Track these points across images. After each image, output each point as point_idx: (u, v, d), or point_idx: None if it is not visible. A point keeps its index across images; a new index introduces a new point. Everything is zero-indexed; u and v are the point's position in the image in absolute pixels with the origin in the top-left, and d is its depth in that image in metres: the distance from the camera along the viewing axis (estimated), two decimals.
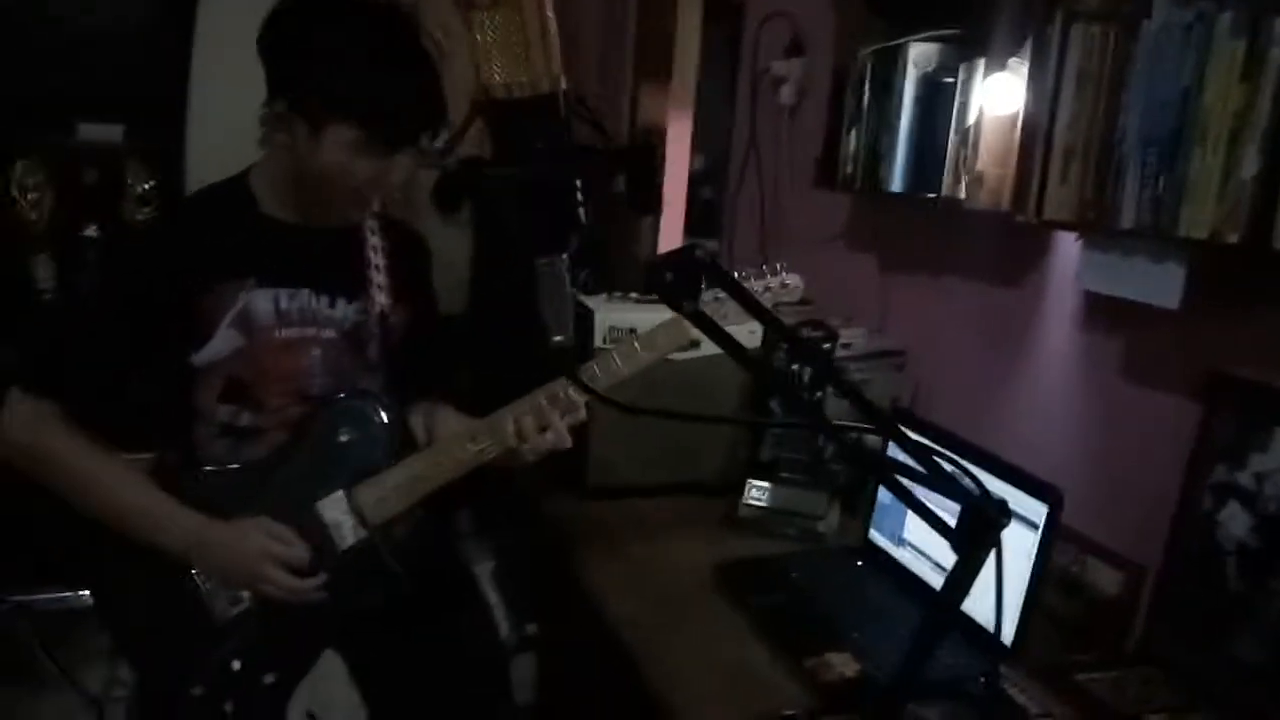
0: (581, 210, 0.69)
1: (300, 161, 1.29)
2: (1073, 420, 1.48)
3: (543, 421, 1.34)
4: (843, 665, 1.26)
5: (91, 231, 2.89)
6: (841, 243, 2.02)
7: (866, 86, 1.68)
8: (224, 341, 1.33)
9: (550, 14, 0.69)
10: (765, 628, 1.37)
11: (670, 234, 3.45)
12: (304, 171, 1.30)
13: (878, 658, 1.28)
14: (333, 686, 1.53)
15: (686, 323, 1.38)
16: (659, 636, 1.36)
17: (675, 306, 0.68)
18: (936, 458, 0.84)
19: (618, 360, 1.37)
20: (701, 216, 3.36)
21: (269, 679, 1.32)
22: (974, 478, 0.86)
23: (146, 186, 2.94)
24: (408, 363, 1.48)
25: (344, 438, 1.36)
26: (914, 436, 0.90)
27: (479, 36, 0.67)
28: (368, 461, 1.37)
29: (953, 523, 0.87)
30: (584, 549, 1.62)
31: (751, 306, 0.72)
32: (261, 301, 1.35)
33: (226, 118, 2.59)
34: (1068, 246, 1.45)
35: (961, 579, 0.86)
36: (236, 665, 1.30)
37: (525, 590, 2.04)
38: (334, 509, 1.34)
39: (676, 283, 0.67)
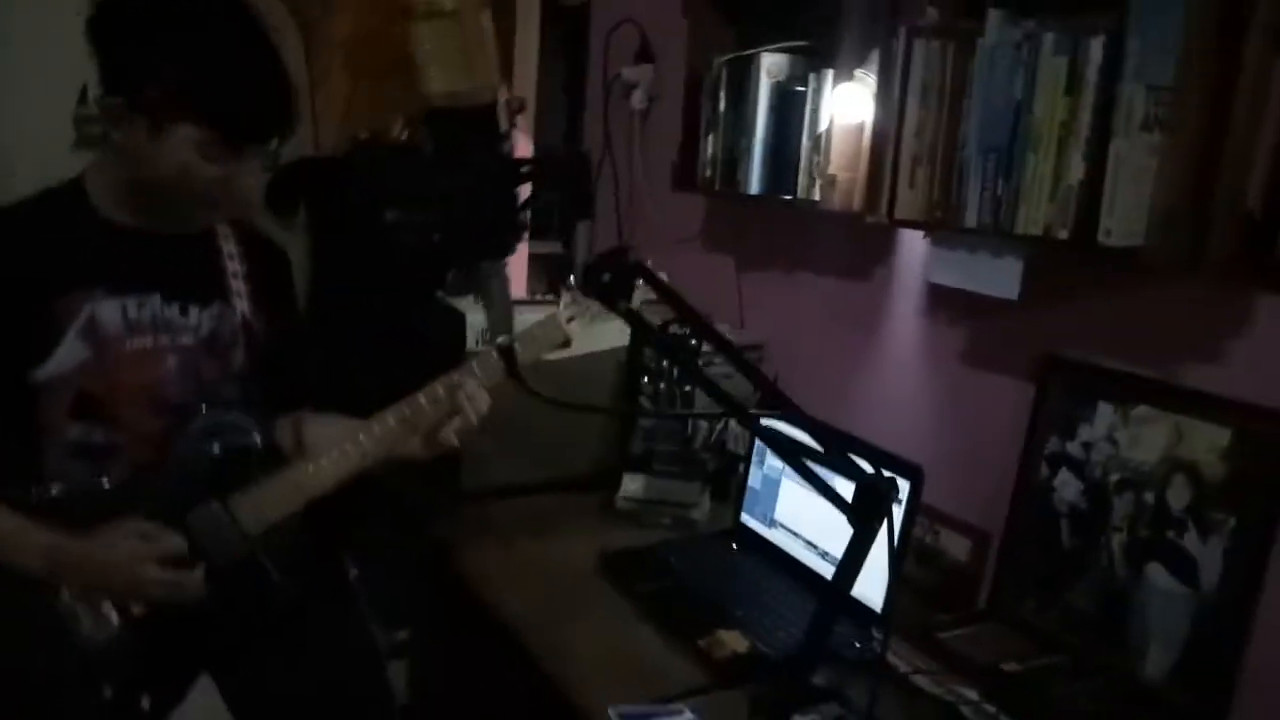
0: (524, 216, 0.71)
1: (140, 163, 1.22)
2: (922, 403, 1.61)
3: (449, 408, 1.33)
4: (733, 642, 1.33)
5: None
6: (699, 243, 2.10)
7: (722, 93, 1.76)
8: (69, 354, 1.24)
9: (487, 24, 0.71)
10: (654, 612, 1.42)
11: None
12: (145, 173, 1.23)
13: (764, 632, 1.36)
14: (206, 714, 1.46)
15: (561, 322, 1.42)
16: (552, 629, 1.39)
17: (610, 306, 0.72)
18: (836, 440, 0.91)
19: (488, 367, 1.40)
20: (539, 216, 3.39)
21: (145, 703, 1.25)
22: (867, 455, 0.93)
23: None
24: (274, 370, 1.43)
25: (215, 449, 1.31)
26: (809, 420, 0.97)
27: (419, 46, 0.68)
28: (240, 472, 1.32)
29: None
30: (465, 550, 1.62)
31: (682, 309, 0.76)
32: (107, 311, 1.27)
33: (26, 114, 2.43)
34: (913, 244, 1.58)
35: (859, 552, 0.93)
36: (109, 693, 1.22)
37: (395, 595, 2.01)
38: (207, 520, 1.28)
39: (612, 284, 0.70)
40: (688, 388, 1.80)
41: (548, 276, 3.46)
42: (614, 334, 1.78)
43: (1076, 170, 1.16)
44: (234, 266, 1.39)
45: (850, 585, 0.95)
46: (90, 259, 1.26)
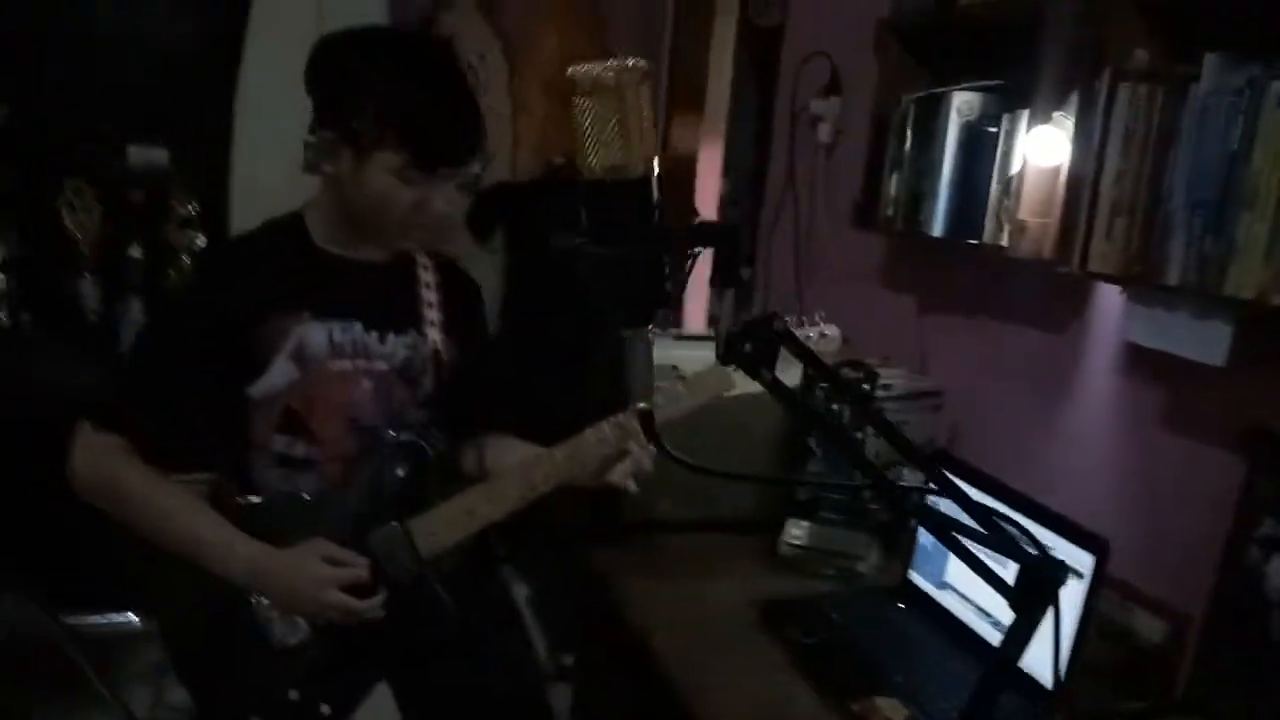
0: (668, 285, 0.72)
1: (347, 191, 1.34)
2: (1113, 469, 1.49)
3: (616, 449, 1.38)
4: (890, 711, 1.28)
5: (135, 252, 2.96)
6: (879, 283, 2.04)
7: (909, 131, 1.71)
8: (280, 374, 1.37)
9: (647, 102, 0.73)
10: (809, 667, 1.39)
11: (702, 263, 3.49)
12: (351, 201, 1.35)
13: (924, 703, 1.30)
14: (380, 717, 1.56)
15: (729, 371, 1.42)
16: (704, 670, 1.38)
17: (754, 375, 0.71)
18: (995, 517, 0.86)
19: (662, 402, 1.41)
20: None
21: (325, 710, 1.35)
22: (1031, 537, 0.88)
23: (190, 210, 3.01)
24: (461, 397, 1.51)
25: (400, 472, 1.40)
26: (971, 494, 0.92)
27: (579, 121, 0.71)
28: (421, 495, 1.40)
29: (1008, 576, 0.89)
30: (625, 582, 1.64)
31: (828, 375, 0.75)
32: (315, 334, 1.39)
33: (270, 146, 2.69)
34: (1109, 298, 1.47)
35: (1019, 637, 0.87)
36: (294, 695, 1.33)
37: (562, 619, 2.06)
38: (387, 541, 1.37)
39: (755, 353, 0.70)
40: (859, 434, 1.75)
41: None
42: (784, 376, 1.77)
43: None
44: (429, 296, 1.48)
45: (1009, 672, 0.89)
46: (304, 286, 1.39)
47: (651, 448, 1.39)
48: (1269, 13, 1.16)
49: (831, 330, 1.48)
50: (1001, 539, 0.89)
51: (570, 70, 0.71)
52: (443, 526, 1.38)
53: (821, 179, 2.26)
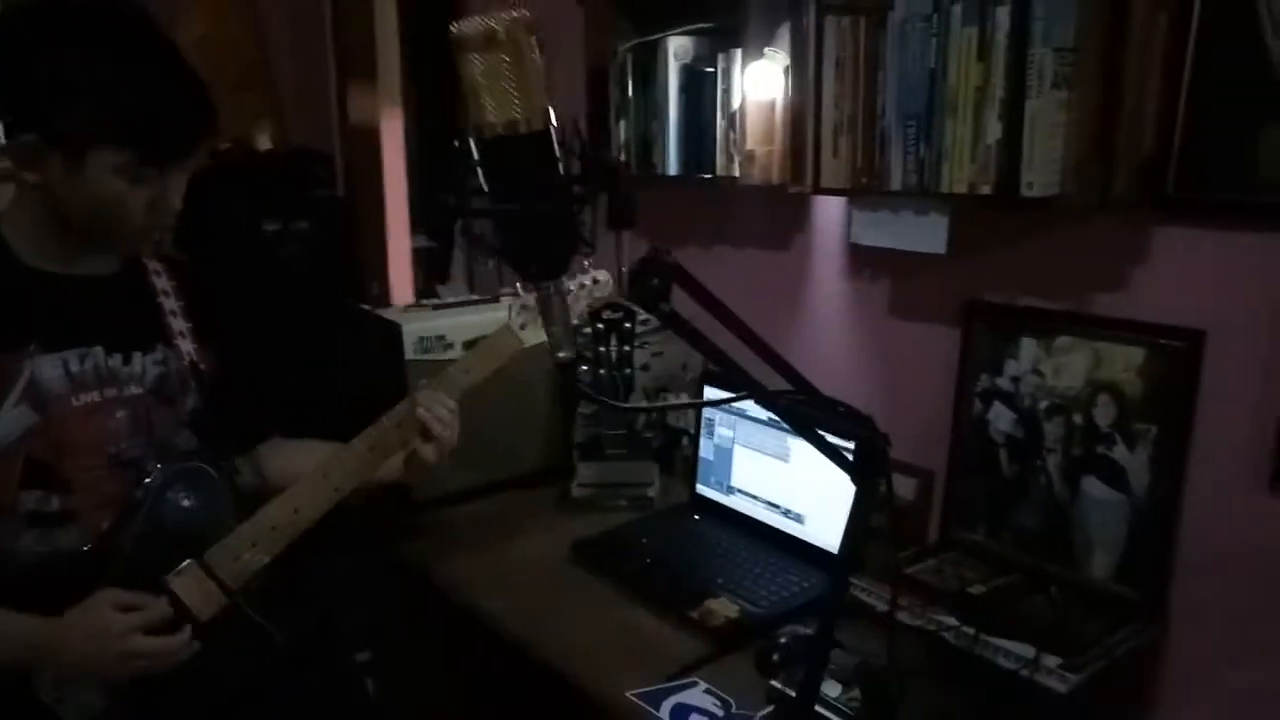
0: (584, 233, 0.73)
1: (62, 200, 1.16)
2: (854, 359, 1.71)
3: (418, 428, 1.33)
4: (723, 609, 1.39)
5: None
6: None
7: (629, 79, 1.79)
8: (13, 422, 1.18)
9: (538, 53, 0.72)
10: (638, 592, 1.47)
11: (396, 232, 3.40)
12: (69, 211, 1.17)
13: (747, 595, 1.43)
14: None
15: (515, 329, 1.44)
16: (542, 623, 1.42)
17: (652, 309, 0.75)
18: (839, 406, 0.98)
19: (463, 372, 1.40)
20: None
21: None
22: (861, 416, 1.00)
23: None
24: (229, 407, 1.39)
25: (185, 503, 1.26)
26: (799, 385, 1.03)
27: (472, 79, 0.68)
28: (213, 524, 1.28)
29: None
30: (434, 560, 1.62)
31: (720, 312, 0.81)
32: (48, 369, 1.20)
33: None
34: (828, 209, 1.67)
35: (865, 507, 1.00)
36: None
37: (355, 618, 1.97)
38: (187, 580, 1.24)
39: (658, 287, 0.73)
40: (627, 370, 1.83)
41: (425, 271, 3.44)
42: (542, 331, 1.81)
43: (994, 130, 1.26)
44: (170, 304, 1.33)
45: (860, 540, 1.02)
46: (20, 314, 1.19)
47: (452, 415, 1.37)
48: None
49: (602, 275, 1.55)
50: (840, 422, 1.01)
51: (454, 27, 0.69)
52: (246, 550, 1.27)
53: None
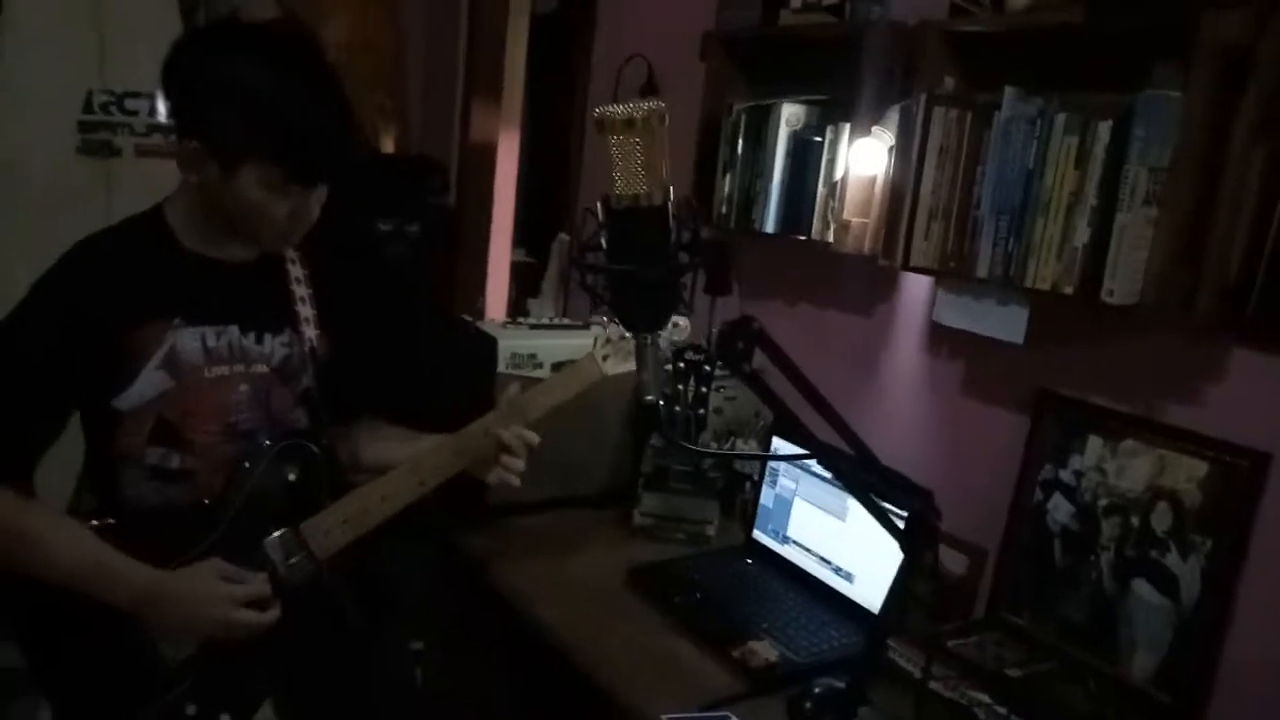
0: (684, 295, 0.82)
1: (214, 199, 1.29)
2: (923, 432, 1.76)
3: (497, 445, 1.44)
4: (764, 651, 1.46)
5: None
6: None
7: (741, 137, 1.89)
8: (150, 384, 1.31)
9: (665, 139, 0.82)
10: (684, 623, 1.54)
11: (499, 246, 3.55)
12: (220, 208, 1.30)
13: (789, 641, 1.49)
14: None
15: (598, 360, 1.54)
16: (590, 638, 1.50)
17: (735, 370, 0.84)
18: (892, 476, 1.05)
19: (545, 393, 1.51)
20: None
21: (225, 719, 1.32)
22: (915, 487, 1.07)
23: None
24: (337, 388, 1.50)
25: (290, 476, 1.39)
26: (862, 455, 1.10)
27: (607, 153, 0.78)
28: (310, 497, 1.40)
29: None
30: (498, 563, 1.72)
31: (797, 379, 0.89)
32: (188, 340, 1.34)
33: (37, 126, 2.44)
34: (917, 287, 1.73)
35: (909, 574, 1.07)
36: (192, 710, 1.30)
37: (410, 606, 2.09)
38: (281, 546, 1.36)
39: (743, 350, 0.82)
40: (701, 411, 1.92)
41: (517, 283, 3.59)
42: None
43: (1082, 234, 1.32)
44: (301, 291, 1.45)
45: (903, 604, 1.08)
46: (172, 289, 1.33)
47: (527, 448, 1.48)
48: (1052, 53, 1.43)
49: (683, 320, 1.64)
50: (894, 491, 1.08)
51: (598, 110, 0.79)
52: (337, 526, 1.39)
53: None
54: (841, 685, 1.38)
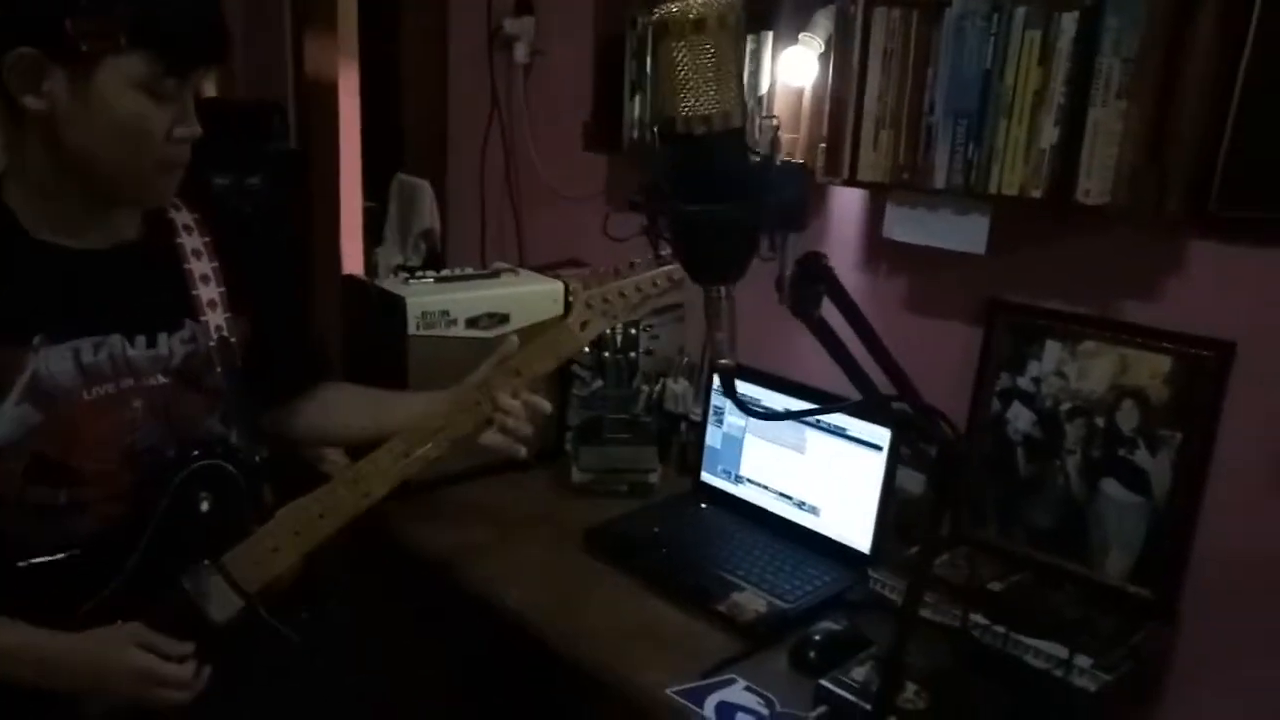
0: (762, 240, 0.68)
1: (68, 137, 1.01)
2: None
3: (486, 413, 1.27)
4: (749, 603, 1.38)
5: None
6: (607, 203, 2.07)
7: (650, 54, 1.73)
8: (12, 422, 1.06)
9: (741, 40, 0.66)
10: (658, 584, 1.44)
11: (348, 192, 3.26)
12: (76, 152, 1.03)
13: (772, 587, 1.42)
14: None
15: (575, 331, 1.33)
16: (565, 613, 1.38)
17: (805, 316, 0.72)
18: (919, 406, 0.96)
19: (513, 374, 1.32)
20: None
21: None
22: (945, 419, 0.99)
23: None
24: (260, 375, 1.28)
25: (203, 506, 1.17)
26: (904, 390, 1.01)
27: (668, 65, 0.62)
28: (232, 523, 1.19)
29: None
30: (436, 543, 1.56)
31: (857, 320, 0.78)
32: (56, 361, 1.08)
33: None
34: (849, 200, 1.66)
35: (941, 514, 1.00)
36: None
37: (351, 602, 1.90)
38: (202, 582, 1.16)
39: (818, 293, 0.70)
40: (633, 354, 1.80)
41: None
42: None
43: (1049, 135, 1.26)
44: (201, 268, 1.21)
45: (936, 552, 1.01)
46: (24, 299, 1.07)
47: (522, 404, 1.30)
48: None
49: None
50: (925, 425, 1.00)
51: (656, 11, 0.62)
52: (266, 555, 1.18)
53: (521, 101, 2.22)
54: (839, 627, 1.33)
